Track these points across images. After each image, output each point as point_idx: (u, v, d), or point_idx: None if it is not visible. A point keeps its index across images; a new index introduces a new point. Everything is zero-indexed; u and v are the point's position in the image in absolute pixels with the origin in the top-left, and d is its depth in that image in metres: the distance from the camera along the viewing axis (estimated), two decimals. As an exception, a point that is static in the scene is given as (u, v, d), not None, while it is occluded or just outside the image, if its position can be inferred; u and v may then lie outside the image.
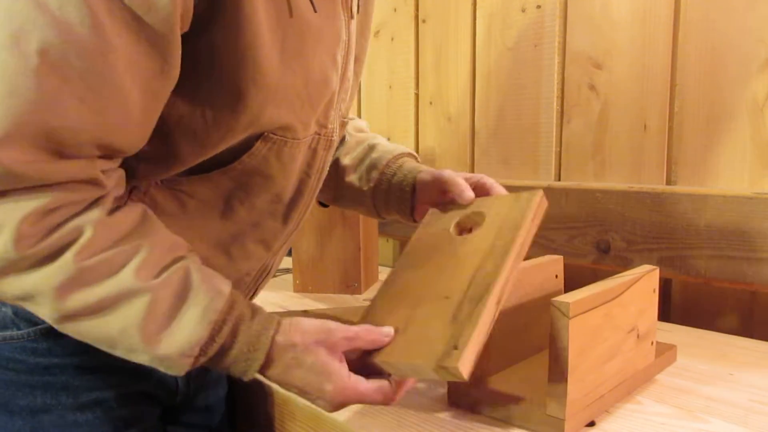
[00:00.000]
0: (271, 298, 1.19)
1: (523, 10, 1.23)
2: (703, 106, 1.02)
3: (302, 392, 0.58)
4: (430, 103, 1.45)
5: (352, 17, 0.69)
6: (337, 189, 0.89)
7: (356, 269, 1.21)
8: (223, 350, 0.55)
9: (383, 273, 1.31)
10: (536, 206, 0.68)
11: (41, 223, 0.49)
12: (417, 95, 1.48)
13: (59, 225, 0.50)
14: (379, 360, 0.58)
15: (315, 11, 0.60)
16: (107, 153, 0.53)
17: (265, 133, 0.62)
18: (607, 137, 1.14)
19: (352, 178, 0.87)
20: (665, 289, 1.11)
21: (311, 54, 0.62)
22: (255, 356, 0.56)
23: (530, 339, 0.78)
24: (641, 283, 0.72)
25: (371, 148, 0.88)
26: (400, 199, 0.82)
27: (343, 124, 0.82)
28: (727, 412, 0.68)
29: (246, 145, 0.62)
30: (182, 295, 0.54)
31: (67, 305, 0.51)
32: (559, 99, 1.20)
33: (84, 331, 0.54)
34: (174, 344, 0.53)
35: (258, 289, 0.79)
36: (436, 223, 0.74)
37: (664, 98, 1.06)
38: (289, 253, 1.26)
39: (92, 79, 0.48)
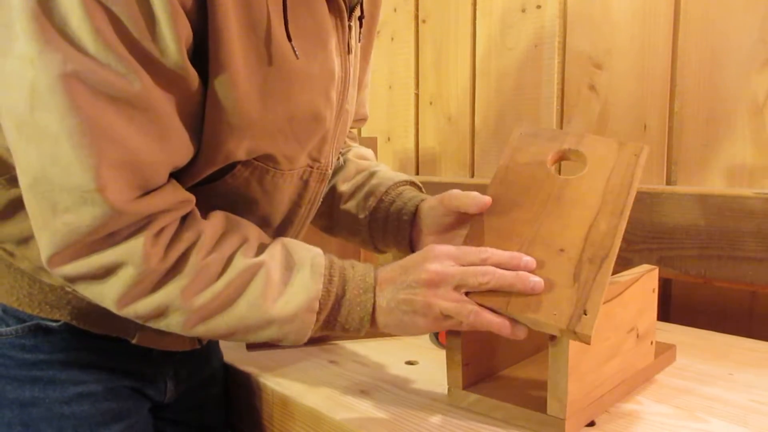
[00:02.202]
0: (271, 298, 1.19)
1: (524, 10, 1.23)
2: (703, 106, 1.02)
3: (413, 314, 0.61)
4: (430, 103, 1.45)
5: (350, 52, 0.69)
6: (332, 217, 0.87)
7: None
8: (338, 300, 0.62)
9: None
10: (644, 163, 0.67)
11: (158, 243, 0.56)
12: (417, 95, 1.48)
13: (174, 239, 0.57)
14: (497, 307, 0.58)
15: (297, 58, 0.61)
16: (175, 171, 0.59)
17: (246, 159, 0.64)
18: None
19: (349, 205, 0.84)
20: (665, 289, 1.11)
21: (297, 95, 0.63)
22: (366, 298, 0.62)
23: (529, 338, 0.78)
24: (641, 283, 0.72)
25: (371, 175, 0.85)
26: (397, 228, 0.79)
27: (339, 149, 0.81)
28: (727, 412, 0.67)
29: (229, 168, 0.64)
30: (288, 263, 0.61)
31: (197, 304, 0.57)
32: (559, 99, 1.20)
33: (217, 325, 0.59)
34: (296, 303, 0.59)
35: None
36: (529, 150, 0.70)
37: (664, 98, 1.06)
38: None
39: (149, 115, 0.54)
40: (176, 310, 0.57)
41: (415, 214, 0.77)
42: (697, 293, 1.07)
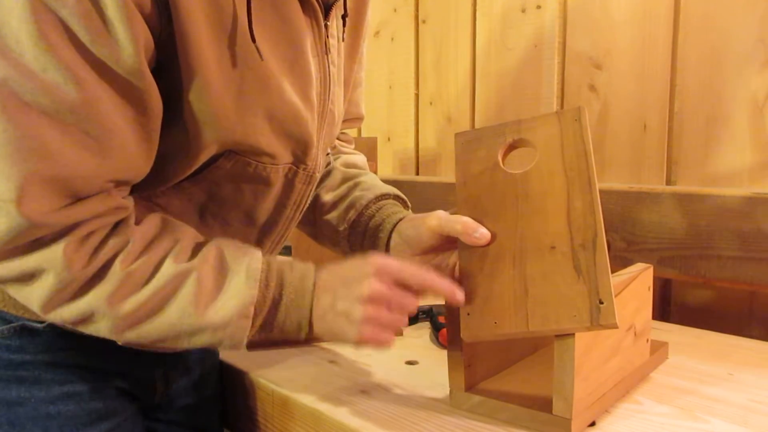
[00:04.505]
0: (271, 298, 1.19)
1: (523, 11, 1.23)
2: (703, 106, 1.02)
3: (346, 323, 0.60)
4: (430, 103, 1.45)
5: (327, 52, 0.69)
6: (315, 225, 0.85)
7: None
8: (275, 304, 0.59)
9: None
10: (587, 123, 0.66)
11: (82, 249, 0.54)
12: (417, 95, 1.48)
13: (99, 245, 0.55)
14: (518, 330, 0.59)
15: (261, 59, 0.60)
16: (119, 184, 0.57)
17: (226, 152, 0.63)
18: (607, 137, 1.14)
19: (330, 216, 0.82)
20: (665, 289, 1.11)
21: (273, 95, 0.62)
22: (304, 302, 0.60)
23: (528, 338, 0.78)
24: (638, 282, 0.72)
25: (355, 186, 0.83)
26: (373, 245, 0.76)
27: (329, 150, 0.80)
28: (727, 412, 0.67)
29: (211, 160, 0.64)
30: (222, 267, 0.59)
31: (124, 311, 0.56)
32: (559, 99, 1.20)
33: (146, 332, 0.57)
34: (229, 309, 0.57)
35: None
36: (477, 157, 0.69)
37: (664, 98, 1.06)
38: (289, 253, 1.26)
39: (88, 127, 0.52)
40: (102, 316, 0.56)
41: (392, 231, 0.75)
42: (697, 293, 1.07)
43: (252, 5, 0.59)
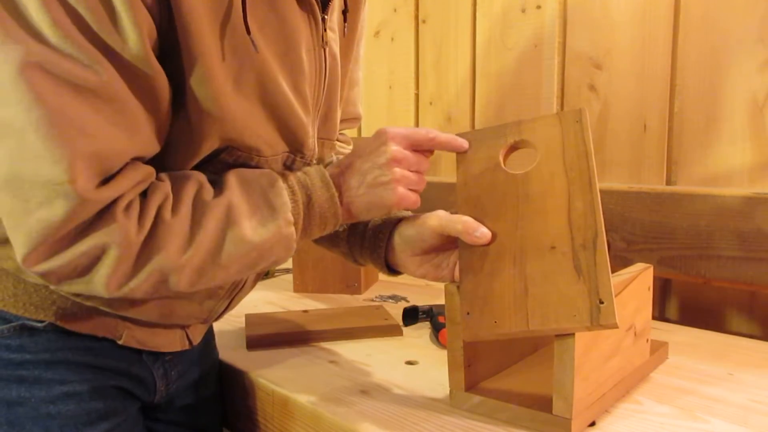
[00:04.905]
0: (271, 298, 1.19)
1: (523, 11, 1.23)
2: (703, 106, 1.02)
3: (373, 185, 0.65)
4: (430, 103, 1.45)
5: (325, 45, 0.69)
6: None
7: (356, 269, 1.21)
8: (306, 204, 0.65)
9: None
10: (588, 124, 0.66)
11: (131, 217, 0.55)
12: (417, 95, 1.48)
13: (143, 209, 0.57)
14: (519, 330, 0.59)
15: (256, 51, 0.61)
16: (139, 158, 0.59)
17: (229, 148, 0.64)
18: (607, 137, 1.14)
19: None
20: (665, 289, 1.11)
21: (268, 86, 0.63)
22: (330, 193, 0.65)
23: (527, 339, 0.78)
24: (638, 282, 0.72)
25: None
26: (373, 246, 0.75)
27: (332, 147, 0.80)
28: (727, 412, 0.67)
29: (213, 154, 0.64)
30: (248, 191, 0.62)
31: (185, 259, 0.57)
32: (559, 99, 1.20)
33: (214, 272, 0.60)
34: (272, 223, 0.61)
35: (233, 302, 0.78)
36: (478, 158, 0.69)
37: (664, 98, 1.06)
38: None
39: (114, 106, 0.53)
40: (170, 272, 0.57)
41: (392, 231, 0.74)
42: (697, 293, 1.07)
43: None
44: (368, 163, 0.66)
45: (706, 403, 0.70)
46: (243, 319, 0.99)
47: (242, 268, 0.62)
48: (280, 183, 0.63)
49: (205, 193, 0.60)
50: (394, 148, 0.65)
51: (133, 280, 0.56)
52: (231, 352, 0.89)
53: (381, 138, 0.66)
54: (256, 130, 0.64)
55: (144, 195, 0.58)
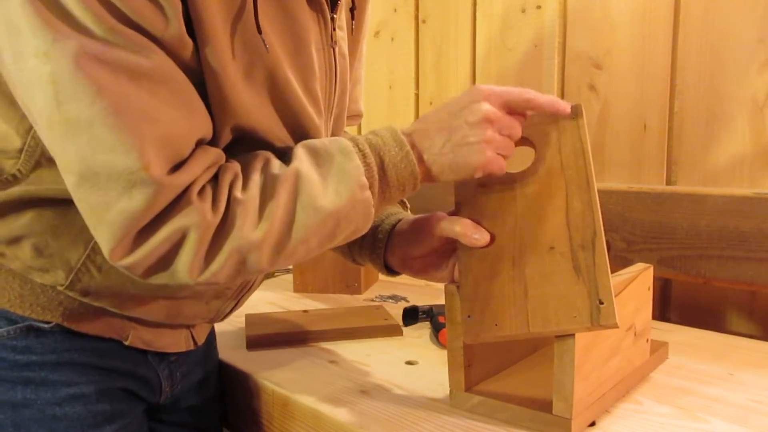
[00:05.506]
0: (271, 298, 1.19)
1: (524, 11, 1.23)
2: (703, 106, 1.02)
3: (459, 145, 0.62)
4: (430, 103, 1.45)
5: (334, 45, 0.69)
6: None
7: (356, 269, 1.21)
8: (381, 167, 0.61)
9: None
10: (584, 121, 0.65)
11: (206, 200, 0.55)
12: (417, 95, 1.48)
13: (215, 191, 0.56)
14: (518, 332, 0.59)
15: (266, 50, 0.61)
16: (202, 142, 0.59)
17: (241, 143, 0.64)
18: (607, 137, 1.14)
19: None
20: (665, 289, 1.11)
21: (278, 84, 0.63)
22: (404, 152, 0.62)
23: (527, 339, 0.78)
24: (638, 282, 0.72)
25: None
26: (372, 245, 0.74)
27: None
28: (727, 412, 0.67)
29: (227, 150, 0.64)
30: (318, 160, 0.60)
31: (260, 234, 0.56)
32: (559, 99, 1.20)
33: (293, 245, 0.58)
34: (346, 188, 0.59)
35: (239, 303, 0.78)
36: None
37: (664, 98, 1.06)
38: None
39: (169, 87, 0.54)
40: (248, 251, 0.57)
41: (391, 232, 0.74)
42: (697, 293, 1.07)
43: None
44: (458, 120, 0.62)
45: (706, 403, 0.70)
46: (243, 319, 0.99)
47: (322, 240, 0.60)
48: (351, 147, 0.61)
49: (274, 167, 0.59)
50: (488, 107, 0.61)
51: (214, 263, 0.56)
52: (231, 352, 0.89)
53: (474, 95, 0.62)
54: (272, 127, 0.64)
55: (215, 178, 0.58)
